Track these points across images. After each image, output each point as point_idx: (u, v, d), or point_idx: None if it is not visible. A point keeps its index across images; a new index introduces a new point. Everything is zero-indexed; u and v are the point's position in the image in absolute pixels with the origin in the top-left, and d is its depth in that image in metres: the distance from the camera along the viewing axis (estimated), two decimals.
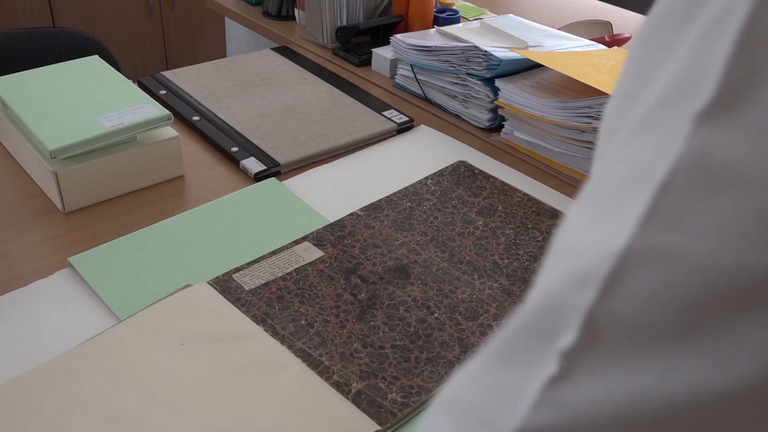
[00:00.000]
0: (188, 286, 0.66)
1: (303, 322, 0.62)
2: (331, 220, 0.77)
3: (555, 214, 0.80)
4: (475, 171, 0.87)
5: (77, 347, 0.59)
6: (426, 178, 0.85)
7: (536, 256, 0.73)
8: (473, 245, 0.73)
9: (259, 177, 0.86)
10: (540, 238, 0.75)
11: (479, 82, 0.97)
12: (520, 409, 0.22)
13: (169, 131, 0.83)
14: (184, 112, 0.97)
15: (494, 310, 0.65)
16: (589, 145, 0.86)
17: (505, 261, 0.71)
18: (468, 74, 0.98)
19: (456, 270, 0.69)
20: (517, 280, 0.69)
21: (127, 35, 2.62)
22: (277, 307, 0.64)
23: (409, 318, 0.63)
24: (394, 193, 0.82)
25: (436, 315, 0.64)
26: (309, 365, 0.58)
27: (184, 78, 1.07)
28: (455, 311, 0.64)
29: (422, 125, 1.00)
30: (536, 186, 0.88)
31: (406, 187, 0.83)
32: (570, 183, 0.89)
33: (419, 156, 0.92)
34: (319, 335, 0.61)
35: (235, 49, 2.06)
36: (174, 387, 0.55)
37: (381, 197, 0.81)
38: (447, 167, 0.88)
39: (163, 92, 1.02)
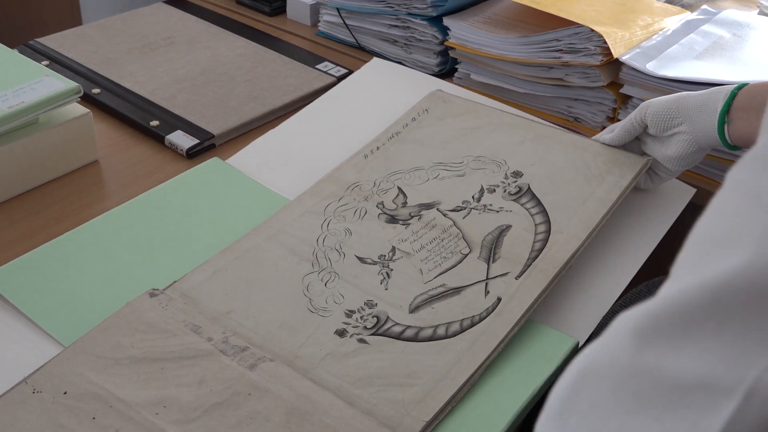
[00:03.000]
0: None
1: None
2: (292, 198, 0.72)
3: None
4: (457, 101, 0.83)
5: (15, 389, 0.52)
6: (401, 119, 0.80)
7: None
8: None
9: (192, 153, 0.80)
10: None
11: (424, 23, 0.94)
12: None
13: (77, 108, 0.75)
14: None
15: None
16: (559, 83, 0.85)
17: None
18: (410, 14, 0.95)
19: None
20: None
21: None
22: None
23: None
24: (369, 144, 0.77)
25: None
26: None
27: (67, 44, 0.97)
28: None
29: (374, 59, 0.95)
30: (510, 109, 0.84)
31: (385, 130, 0.79)
32: None
33: (377, 94, 0.87)
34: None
35: (94, 9, 1.91)
36: None
37: (348, 156, 0.77)
38: (422, 101, 0.83)
39: (45, 63, 0.92)
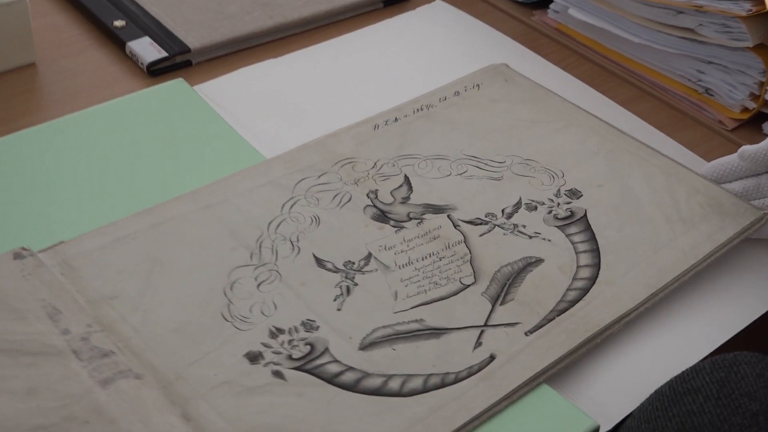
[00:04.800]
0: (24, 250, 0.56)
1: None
2: (269, 156, 0.68)
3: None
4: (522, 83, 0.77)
5: None
6: (441, 90, 0.75)
7: None
8: None
9: (155, 70, 0.75)
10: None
11: None
12: None
13: None
14: None
15: None
16: (688, 35, 0.76)
17: None
18: None
19: None
20: None
21: None
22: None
23: None
24: (387, 112, 0.72)
25: None
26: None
27: None
28: None
29: (437, 1, 0.91)
30: (600, 101, 0.78)
31: (414, 99, 0.74)
32: (654, 94, 0.80)
33: (424, 51, 0.83)
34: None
35: None
36: None
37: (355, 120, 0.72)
38: (476, 73, 0.78)
39: None
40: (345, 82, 0.77)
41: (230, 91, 0.74)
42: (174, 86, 0.72)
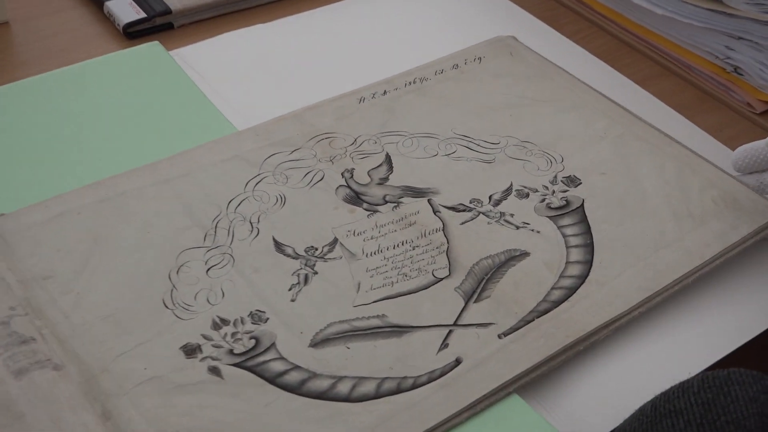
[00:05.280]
0: None
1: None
2: (243, 128, 0.64)
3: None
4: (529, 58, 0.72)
5: None
6: (438, 62, 0.71)
7: None
8: None
9: (132, 32, 0.72)
10: None
11: None
12: None
13: None
14: None
15: None
16: (717, 7, 0.71)
17: None
18: None
19: None
20: None
21: None
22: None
23: None
24: (375, 84, 0.68)
25: None
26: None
27: None
28: None
29: None
30: (616, 79, 0.74)
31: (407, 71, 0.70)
32: (676, 72, 0.76)
33: (427, 21, 0.80)
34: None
35: None
36: None
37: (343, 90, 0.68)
38: (479, 45, 0.74)
39: None
40: (338, 51, 0.73)
41: (211, 57, 0.70)
42: (148, 49, 0.69)
